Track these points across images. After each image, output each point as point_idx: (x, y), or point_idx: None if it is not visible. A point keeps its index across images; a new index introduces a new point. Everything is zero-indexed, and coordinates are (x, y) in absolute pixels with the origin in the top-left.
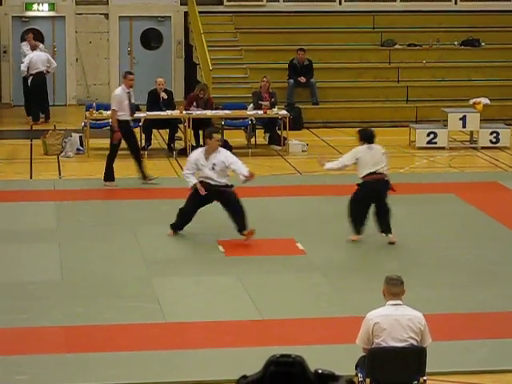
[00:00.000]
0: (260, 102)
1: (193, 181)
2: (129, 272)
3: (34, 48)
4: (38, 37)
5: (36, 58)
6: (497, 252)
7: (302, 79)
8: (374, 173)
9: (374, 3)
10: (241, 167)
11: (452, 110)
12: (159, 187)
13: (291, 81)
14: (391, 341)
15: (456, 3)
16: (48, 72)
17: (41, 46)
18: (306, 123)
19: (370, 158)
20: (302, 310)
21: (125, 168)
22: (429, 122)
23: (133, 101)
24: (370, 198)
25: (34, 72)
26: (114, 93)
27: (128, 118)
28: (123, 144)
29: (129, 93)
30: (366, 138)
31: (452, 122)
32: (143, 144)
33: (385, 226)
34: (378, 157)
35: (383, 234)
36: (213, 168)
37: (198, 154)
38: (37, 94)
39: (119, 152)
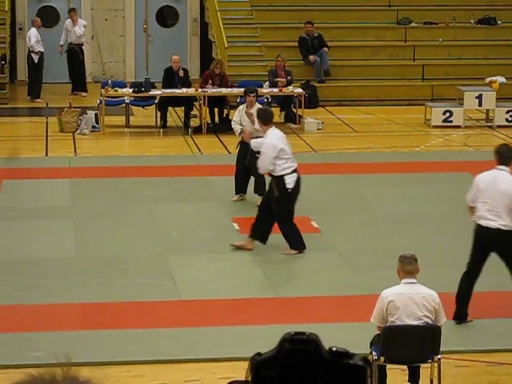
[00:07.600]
0: (276, 80)
1: None
2: (144, 249)
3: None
4: (54, 14)
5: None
6: None
7: (312, 58)
8: None
9: None
10: None
11: (468, 89)
12: (175, 165)
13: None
14: (406, 319)
15: None
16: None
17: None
18: (321, 101)
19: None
20: (316, 288)
21: (141, 145)
22: (444, 101)
23: None
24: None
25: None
26: None
27: None
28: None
29: None
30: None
31: (468, 101)
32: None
33: None
34: None
35: None
36: None
37: None
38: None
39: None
